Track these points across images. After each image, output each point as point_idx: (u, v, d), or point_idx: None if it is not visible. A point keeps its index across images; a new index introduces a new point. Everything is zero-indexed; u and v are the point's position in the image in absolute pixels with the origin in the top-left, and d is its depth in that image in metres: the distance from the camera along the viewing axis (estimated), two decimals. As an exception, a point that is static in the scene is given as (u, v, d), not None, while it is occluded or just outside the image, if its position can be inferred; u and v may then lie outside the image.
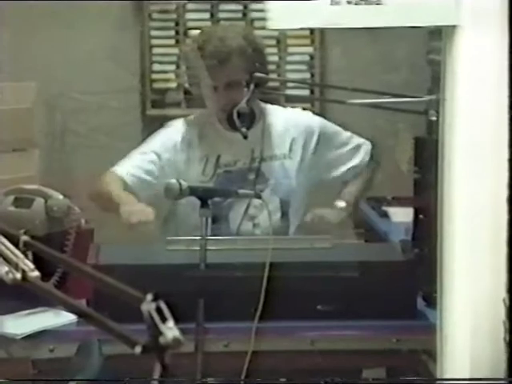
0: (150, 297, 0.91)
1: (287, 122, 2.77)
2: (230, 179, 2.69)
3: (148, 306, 0.91)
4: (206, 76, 2.65)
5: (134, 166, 2.69)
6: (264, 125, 2.71)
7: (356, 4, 1.59)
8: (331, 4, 1.59)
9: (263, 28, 2.25)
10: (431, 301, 2.11)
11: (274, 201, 2.67)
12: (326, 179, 2.82)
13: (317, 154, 2.76)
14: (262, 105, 2.76)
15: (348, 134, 2.82)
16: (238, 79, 2.59)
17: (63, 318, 2.16)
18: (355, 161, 2.82)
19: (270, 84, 4.10)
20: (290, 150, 2.74)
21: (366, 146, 2.84)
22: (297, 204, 2.76)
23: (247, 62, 2.61)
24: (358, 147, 2.83)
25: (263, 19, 1.73)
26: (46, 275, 1.15)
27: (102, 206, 2.67)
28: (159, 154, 2.70)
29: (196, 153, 2.73)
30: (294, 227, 2.75)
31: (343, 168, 2.81)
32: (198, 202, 2.28)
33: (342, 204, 2.78)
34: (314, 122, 2.80)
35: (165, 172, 2.67)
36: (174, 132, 2.75)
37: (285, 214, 2.73)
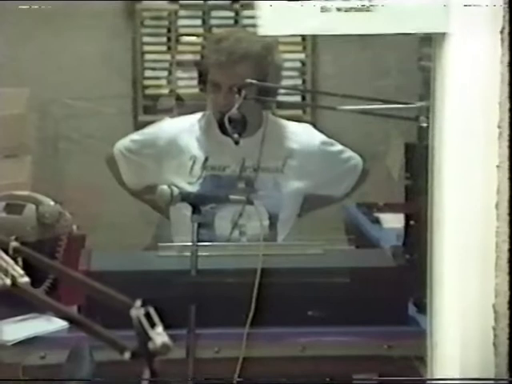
0: (138, 303, 0.92)
1: (286, 136, 2.73)
2: (218, 184, 2.68)
3: (137, 311, 0.92)
4: (211, 73, 2.62)
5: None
6: (262, 135, 2.68)
7: (346, 11, 1.60)
8: (321, 11, 1.60)
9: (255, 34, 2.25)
10: (422, 307, 2.12)
11: (262, 212, 2.62)
12: (321, 196, 2.81)
13: (313, 172, 2.73)
14: (264, 114, 2.71)
15: (347, 153, 2.78)
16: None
17: (54, 324, 2.16)
18: (351, 181, 2.80)
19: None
20: (284, 164, 2.71)
21: (360, 165, 2.80)
22: (286, 217, 2.73)
23: (258, 71, 2.55)
24: (354, 167, 2.80)
25: (255, 26, 1.74)
26: (37, 281, 1.15)
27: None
28: (142, 148, 2.77)
29: (187, 150, 2.72)
30: (281, 239, 2.73)
31: (339, 187, 2.80)
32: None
33: None
34: (315, 139, 2.75)
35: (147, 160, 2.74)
36: (164, 129, 2.77)
37: (272, 226, 2.70)
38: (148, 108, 4.50)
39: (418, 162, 2.26)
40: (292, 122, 2.82)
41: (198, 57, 2.77)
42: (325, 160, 2.74)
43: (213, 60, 2.60)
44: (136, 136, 2.84)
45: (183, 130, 2.73)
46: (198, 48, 4.18)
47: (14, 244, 1.18)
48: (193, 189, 2.64)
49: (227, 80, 2.57)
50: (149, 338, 0.91)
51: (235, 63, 2.56)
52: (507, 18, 1.61)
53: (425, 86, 2.07)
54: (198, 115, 2.77)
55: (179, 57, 4.46)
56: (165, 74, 4.52)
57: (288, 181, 2.71)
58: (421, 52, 3.80)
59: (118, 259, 2.34)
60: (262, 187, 2.68)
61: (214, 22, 4.47)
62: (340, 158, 2.78)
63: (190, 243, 2.19)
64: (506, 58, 1.63)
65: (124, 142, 2.82)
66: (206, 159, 2.70)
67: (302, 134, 2.76)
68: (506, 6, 1.61)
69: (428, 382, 1.80)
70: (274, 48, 2.70)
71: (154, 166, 2.73)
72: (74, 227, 2.44)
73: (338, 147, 2.78)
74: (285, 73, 4.52)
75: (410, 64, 4.01)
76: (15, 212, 2.40)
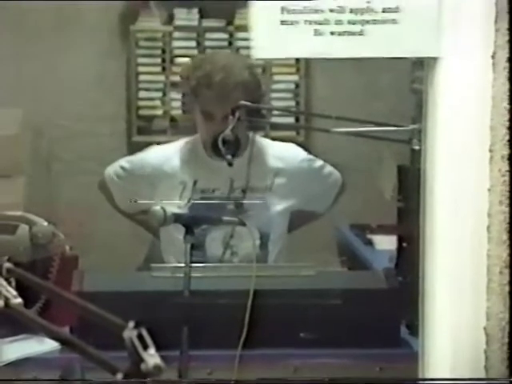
0: (131, 324, 0.92)
1: (272, 155, 2.76)
2: (208, 206, 2.69)
3: (130, 333, 0.92)
4: (203, 104, 2.65)
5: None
6: (249, 156, 2.70)
7: (339, 35, 1.61)
8: (315, 35, 1.61)
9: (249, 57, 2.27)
10: (415, 329, 2.12)
11: (253, 232, 2.61)
12: (306, 213, 2.84)
13: (299, 189, 2.76)
14: (250, 135, 2.74)
15: (327, 168, 2.85)
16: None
17: (46, 345, 2.16)
18: (333, 195, 2.86)
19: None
20: (273, 183, 2.74)
21: (339, 179, 2.87)
22: (276, 236, 2.75)
23: (248, 95, 2.58)
24: (335, 182, 2.86)
25: (248, 48, 1.75)
26: (30, 302, 1.15)
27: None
28: (130, 175, 2.80)
29: (176, 176, 2.73)
30: (272, 257, 2.75)
31: (323, 202, 2.85)
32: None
33: None
34: (299, 156, 2.80)
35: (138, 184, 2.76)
36: (150, 157, 2.79)
37: (264, 245, 2.72)
38: (142, 129, 4.52)
39: (410, 184, 2.27)
40: (276, 141, 2.85)
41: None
42: (310, 176, 2.79)
43: (204, 92, 2.62)
44: (125, 163, 2.84)
45: (169, 156, 2.76)
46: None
47: (6, 265, 1.18)
48: (183, 212, 2.65)
49: (221, 110, 2.60)
50: (141, 360, 0.92)
51: (228, 94, 2.59)
52: (498, 43, 1.63)
53: (417, 108, 2.09)
54: (185, 140, 2.80)
55: (173, 78, 4.47)
56: (159, 95, 4.54)
57: (277, 199, 2.73)
58: (413, 75, 3.82)
59: (110, 280, 2.34)
60: (252, 207, 2.70)
61: (208, 43, 4.49)
62: (322, 174, 2.84)
63: (183, 264, 2.19)
64: (499, 83, 1.64)
65: (114, 168, 2.84)
66: (195, 183, 2.72)
67: (287, 153, 2.80)
68: (498, 30, 1.62)
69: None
70: (255, 68, 2.80)
71: (144, 192, 2.75)
72: (67, 248, 2.44)
73: (320, 163, 2.84)
74: (279, 95, 4.57)
75: (402, 87, 4.03)
76: (8, 232, 2.40)
